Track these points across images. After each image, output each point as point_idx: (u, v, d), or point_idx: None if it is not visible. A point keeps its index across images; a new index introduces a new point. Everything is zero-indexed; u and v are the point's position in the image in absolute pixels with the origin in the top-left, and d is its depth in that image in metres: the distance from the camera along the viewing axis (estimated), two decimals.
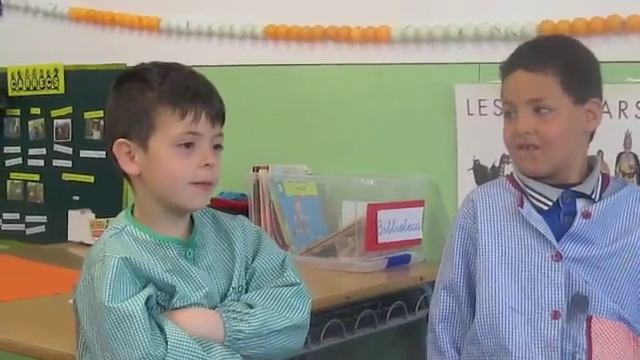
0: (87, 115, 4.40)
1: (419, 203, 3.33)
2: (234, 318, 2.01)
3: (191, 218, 2.10)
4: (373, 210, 3.15)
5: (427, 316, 2.52)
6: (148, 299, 1.93)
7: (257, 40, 3.85)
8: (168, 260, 2.00)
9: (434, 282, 2.49)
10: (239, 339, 2.00)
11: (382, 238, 3.18)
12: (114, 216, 2.12)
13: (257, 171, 3.49)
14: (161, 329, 1.93)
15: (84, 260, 2.02)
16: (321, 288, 2.78)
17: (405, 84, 3.48)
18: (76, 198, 4.39)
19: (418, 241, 3.33)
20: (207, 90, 2.01)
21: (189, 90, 1.97)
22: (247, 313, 2.02)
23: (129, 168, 2.02)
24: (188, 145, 1.97)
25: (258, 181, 3.45)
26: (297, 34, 3.71)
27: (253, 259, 2.12)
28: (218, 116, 2.00)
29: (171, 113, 1.96)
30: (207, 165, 1.98)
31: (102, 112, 4.23)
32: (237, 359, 2.00)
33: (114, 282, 1.90)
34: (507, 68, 2.24)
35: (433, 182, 3.40)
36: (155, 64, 2.05)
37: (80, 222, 3.90)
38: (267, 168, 3.50)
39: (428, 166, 3.42)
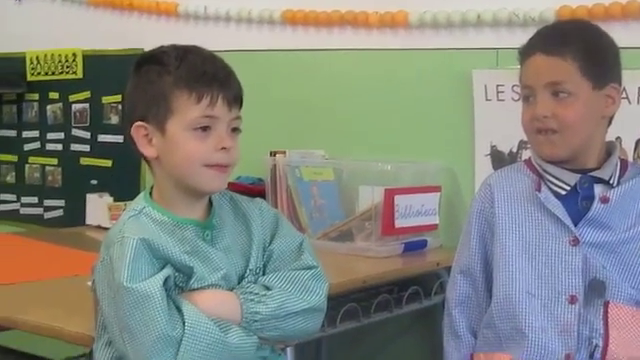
0: (105, 100, 4.41)
1: (436, 188, 3.33)
2: (251, 300, 2.02)
3: (209, 200, 2.11)
4: (390, 195, 3.15)
5: (443, 301, 2.53)
6: (166, 280, 1.95)
7: (275, 25, 3.85)
8: (186, 242, 2.01)
9: (450, 267, 2.49)
10: (256, 321, 2.01)
11: (399, 223, 3.18)
12: (132, 200, 2.13)
13: (274, 156, 3.50)
14: (179, 310, 1.94)
15: (103, 241, 2.04)
16: (338, 272, 2.79)
17: (423, 69, 3.48)
18: (94, 182, 4.41)
19: (435, 226, 3.33)
20: (224, 74, 2.01)
21: (206, 74, 1.98)
22: (264, 295, 2.03)
23: (147, 151, 2.04)
24: (205, 129, 1.99)
25: (275, 166, 3.46)
26: (315, 19, 3.71)
27: (270, 242, 2.13)
28: (235, 100, 2.01)
29: (187, 97, 1.98)
30: (223, 148, 1.99)
31: (120, 97, 4.29)
32: (254, 340, 2.01)
33: (132, 263, 1.92)
34: (526, 52, 2.24)
35: (450, 168, 3.40)
36: (174, 47, 2.05)
37: (98, 206, 3.92)
38: (284, 153, 3.51)
39: (445, 152, 3.41)
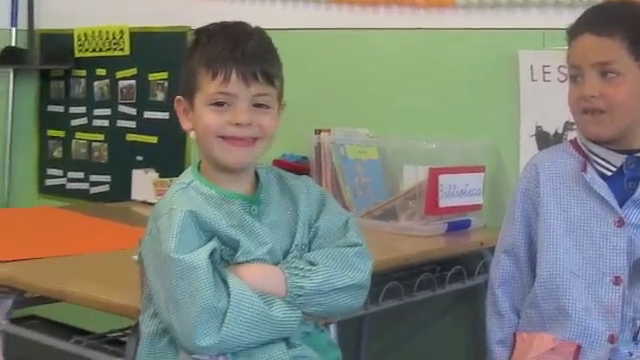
0: (151, 77, 4.43)
1: (480, 168, 3.33)
2: (296, 275, 2.04)
3: (257, 176, 2.13)
4: (434, 174, 3.15)
5: (486, 281, 2.53)
6: (212, 252, 1.97)
7: (321, 4, 3.84)
8: (233, 215, 2.03)
9: (494, 247, 2.50)
10: (300, 295, 2.02)
11: (443, 202, 3.18)
12: (177, 176, 2.16)
13: (319, 134, 3.50)
14: (224, 282, 1.97)
15: (151, 213, 2.07)
16: (381, 250, 2.79)
17: (469, 49, 3.47)
18: (139, 158, 4.44)
19: (478, 206, 3.33)
20: (247, 50, 2.01)
21: (223, 51, 2.01)
22: (309, 270, 2.05)
23: (184, 124, 2.12)
24: (220, 104, 2.03)
25: (320, 144, 3.46)
26: None
27: (316, 219, 2.15)
28: (255, 76, 2.01)
29: (205, 74, 2.03)
30: (237, 124, 2.02)
31: (166, 74, 4.31)
32: (298, 315, 2.03)
33: (180, 234, 1.95)
34: (574, 32, 2.24)
35: (495, 148, 3.39)
36: (215, 25, 2.10)
37: (144, 181, 3.95)
38: (329, 131, 3.51)
39: (490, 132, 3.41)
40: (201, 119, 2.05)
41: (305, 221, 2.13)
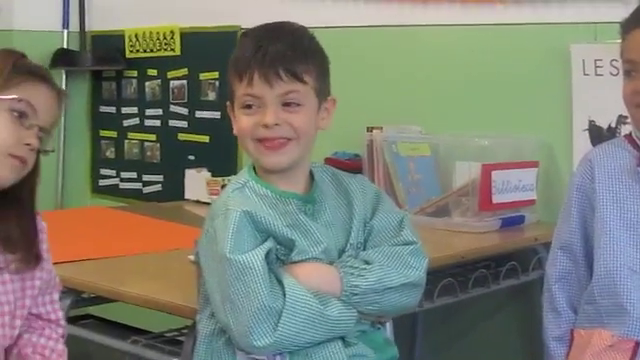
0: (202, 76, 4.45)
1: (533, 164, 3.31)
2: (351, 274, 2.04)
3: (311, 175, 2.14)
4: (487, 170, 3.14)
5: (541, 277, 2.52)
6: (268, 252, 1.98)
7: (370, 1, 3.84)
8: (288, 215, 2.04)
9: (548, 243, 2.49)
10: (355, 294, 2.03)
11: (496, 198, 3.16)
12: (229, 175, 2.19)
13: (371, 131, 3.50)
14: (280, 282, 1.97)
15: (207, 213, 2.09)
16: (435, 247, 2.79)
17: (520, 44, 3.45)
18: (191, 157, 4.46)
19: (532, 202, 3.31)
20: (269, 51, 2.02)
21: (246, 54, 2.03)
22: (364, 269, 2.06)
23: (233, 127, 2.12)
24: (249, 106, 2.04)
25: (372, 141, 3.46)
26: None
27: (371, 217, 2.15)
28: (278, 75, 2.01)
29: (234, 77, 2.06)
30: (265, 126, 2.02)
31: (217, 73, 4.33)
32: (353, 314, 2.03)
33: (235, 235, 1.96)
34: (628, 26, 2.22)
35: (548, 143, 3.37)
36: (255, 27, 2.12)
37: (196, 180, 3.97)
38: (381, 128, 3.51)
39: (543, 127, 3.39)
40: (237, 122, 2.08)
41: (360, 220, 2.14)
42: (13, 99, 1.91)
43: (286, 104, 2.03)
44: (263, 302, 1.93)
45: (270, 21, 2.14)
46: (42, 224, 2.07)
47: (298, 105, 2.04)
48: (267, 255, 1.98)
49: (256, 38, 2.06)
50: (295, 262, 2.03)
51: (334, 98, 2.14)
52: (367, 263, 2.07)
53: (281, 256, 2.04)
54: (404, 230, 2.14)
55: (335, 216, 2.12)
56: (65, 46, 4.96)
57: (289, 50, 2.03)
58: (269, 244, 2.00)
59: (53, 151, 2.04)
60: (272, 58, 2.01)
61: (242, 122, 2.06)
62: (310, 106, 2.07)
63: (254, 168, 2.12)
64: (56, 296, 2.13)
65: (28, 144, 1.92)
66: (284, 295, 1.96)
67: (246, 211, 1.99)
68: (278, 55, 2.02)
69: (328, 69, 2.14)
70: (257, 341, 1.94)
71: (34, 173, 2.00)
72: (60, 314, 2.13)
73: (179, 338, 2.68)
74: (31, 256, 2.00)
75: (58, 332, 2.10)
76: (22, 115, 1.92)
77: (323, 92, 2.10)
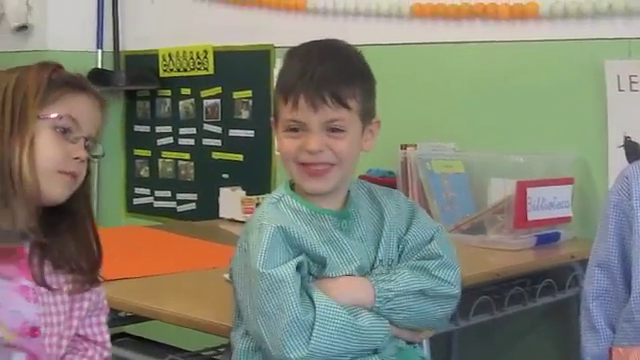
0: (236, 95, 4.47)
1: (569, 180, 3.30)
2: (382, 280, 2.05)
3: (348, 190, 2.14)
4: (522, 187, 3.13)
5: (577, 295, 2.51)
6: (300, 266, 1.99)
7: (403, 19, 3.84)
8: (323, 231, 2.05)
9: (584, 260, 2.47)
10: (389, 299, 2.03)
11: (531, 215, 3.15)
12: (263, 193, 2.20)
13: (405, 149, 3.50)
14: (309, 297, 1.98)
15: (243, 228, 2.11)
16: (470, 265, 2.78)
17: (554, 60, 3.44)
18: (225, 176, 4.47)
19: (568, 219, 3.29)
20: (316, 74, 2.01)
21: (293, 76, 2.03)
22: (394, 273, 2.07)
23: (277, 145, 2.14)
24: (295, 130, 2.04)
25: (406, 159, 3.46)
26: (444, 12, 3.70)
27: (405, 232, 2.15)
28: (323, 100, 2.00)
29: (280, 99, 2.06)
30: (308, 151, 2.03)
31: (250, 92, 4.35)
32: (385, 324, 2.03)
33: (269, 250, 1.98)
34: None
35: (583, 159, 3.36)
36: (301, 45, 2.12)
37: (231, 199, 3.98)
38: (415, 146, 3.51)
39: (578, 143, 3.37)
40: (280, 144, 2.09)
41: (392, 235, 2.14)
42: (53, 117, 1.89)
43: (330, 129, 2.03)
44: (295, 315, 1.95)
45: (303, 40, 2.14)
46: None
47: (342, 131, 2.04)
48: (299, 269, 1.99)
49: (303, 59, 2.05)
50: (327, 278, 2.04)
51: (379, 120, 2.14)
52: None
53: (314, 272, 2.04)
54: (431, 243, 2.14)
55: (368, 231, 2.13)
56: (99, 66, 5.00)
57: (335, 74, 2.02)
58: (301, 258, 2.01)
59: (103, 155, 2.02)
60: (318, 82, 2.00)
61: (285, 145, 2.06)
62: (354, 131, 2.07)
63: (292, 183, 2.13)
64: (103, 318, 2.11)
65: (76, 158, 1.91)
66: (314, 308, 1.97)
67: (280, 227, 2.00)
68: (324, 79, 2.01)
69: (374, 90, 2.13)
70: (291, 354, 1.95)
71: (86, 182, 1.99)
72: (107, 337, 2.11)
73: (215, 357, 2.69)
74: (88, 278, 2.00)
75: (103, 355, 2.08)
76: (66, 130, 1.90)
77: (368, 115, 2.10)
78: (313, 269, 2.05)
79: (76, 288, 1.99)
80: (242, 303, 2.05)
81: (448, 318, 2.22)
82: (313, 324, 1.95)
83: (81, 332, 2.04)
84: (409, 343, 2.14)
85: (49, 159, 1.88)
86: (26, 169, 1.85)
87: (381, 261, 2.11)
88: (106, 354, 2.09)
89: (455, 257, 2.17)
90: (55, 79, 1.92)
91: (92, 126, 1.96)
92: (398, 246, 2.15)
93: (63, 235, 1.96)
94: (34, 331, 1.91)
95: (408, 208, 2.19)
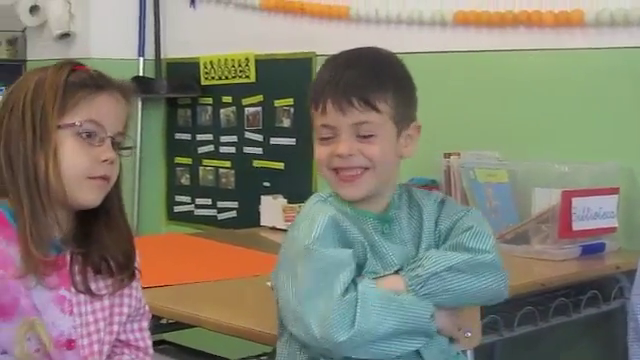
0: (277, 103, 4.46)
1: (614, 190, 3.26)
2: (410, 269, 2.02)
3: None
4: (567, 197, 3.10)
5: (622, 306, 2.47)
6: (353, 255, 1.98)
7: (447, 27, 3.82)
8: (365, 234, 2.04)
9: (630, 271, 2.45)
10: (420, 284, 1.99)
11: (576, 226, 3.12)
12: (305, 202, 2.16)
13: (448, 157, 3.48)
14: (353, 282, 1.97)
15: (289, 227, 2.11)
16: (514, 275, 2.71)
17: (599, 68, 3.40)
18: (266, 184, 4.47)
19: (613, 229, 3.25)
20: (343, 79, 1.99)
21: (322, 82, 2.02)
22: (420, 258, 2.03)
23: None
24: (327, 138, 2.02)
25: (449, 167, 3.44)
26: (487, 20, 3.67)
27: (437, 224, 2.12)
28: (350, 103, 1.99)
29: (310, 103, 2.05)
30: (338, 156, 2.01)
31: (292, 100, 4.34)
32: (427, 303, 1.99)
33: (322, 234, 1.97)
34: None
35: (628, 169, 3.32)
36: (341, 53, 2.10)
37: (272, 207, 3.97)
38: (458, 154, 3.49)
39: (623, 152, 3.33)
40: (315, 151, 2.07)
41: (430, 236, 2.11)
42: (74, 125, 1.85)
43: (361, 134, 2.01)
44: (339, 297, 1.92)
45: (345, 48, 2.13)
46: (136, 251, 2.04)
47: (372, 135, 2.02)
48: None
49: (334, 65, 2.05)
50: None
51: (418, 125, 2.10)
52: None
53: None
54: (461, 220, 2.10)
55: (409, 234, 2.11)
56: (141, 74, 5.02)
57: (363, 78, 2.01)
58: (351, 250, 2.00)
59: (134, 147, 1.99)
60: (345, 86, 1.99)
61: (318, 152, 2.06)
62: (386, 135, 2.04)
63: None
64: (145, 324, 2.08)
65: (105, 160, 1.87)
66: (356, 290, 1.94)
67: (333, 216, 2.00)
68: (351, 83, 1.99)
69: (411, 95, 2.09)
70: (339, 337, 1.91)
71: (117, 179, 1.95)
72: (149, 342, 2.08)
73: None
74: (126, 274, 1.97)
75: None
76: (90, 135, 1.86)
77: (404, 119, 2.06)
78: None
79: (115, 287, 1.96)
80: (284, 296, 2.02)
81: (502, 290, 2.10)
82: (356, 303, 1.92)
83: (122, 337, 2.03)
84: (451, 341, 2.11)
85: (75, 167, 1.85)
86: (53, 179, 1.83)
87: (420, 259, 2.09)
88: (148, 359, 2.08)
89: (488, 227, 2.11)
90: (73, 82, 1.87)
91: (117, 123, 1.91)
92: (434, 240, 2.12)
93: (100, 236, 1.93)
94: (70, 343, 1.89)
95: (439, 200, 2.16)
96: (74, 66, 1.91)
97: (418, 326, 1.98)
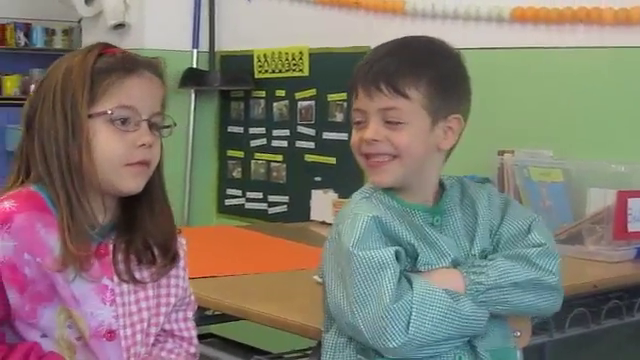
0: (330, 97, 4.44)
1: None
2: (473, 272, 1.99)
3: (442, 184, 2.08)
4: (623, 197, 3.04)
5: None
6: (397, 254, 1.94)
7: (503, 23, 3.78)
8: (414, 227, 2.00)
9: None
10: (480, 292, 1.97)
11: (632, 227, 3.06)
12: None
13: (502, 155, 3.44)
14: (408, 282, 1.93)
15: (333, 221, 2.06)
16: (567, 276, 2.66)
17: None
18: (318, 179, 4.45)
19: None
20: (375, 65, 1.98)
21: (356, 67, 2.02)
22: (486, 266, 2.00)
23: None
24: (358, 123, 2.01)
25: (503, 165, 3.39)
26: (545, 16, 3.63)
27: (499, 225, 2.08)
28: (378, 89, 1.96)
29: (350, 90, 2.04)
30: (365, 141, 1.98)
31: (345, 94, 4.31)
32: (484, 312, 1.97)
33: (363, 235, 1.94)
34: None
35: None
36: (388, 41, 2.07)
37: (323, 202, 3.96)
38: (512, 152, 3.44)
39: None
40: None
41: (485, 228, 2.07)
42: (106, 113, 1.80)
43: (388, 120, 1.98)
44: (392, 299, 1.89)
45: None
46: (182, 240, 2.00)
47: (400, 123, 1.98)
48: (397, 257, 1.94)
49: (372, 53, 2.04)
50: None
51: (458, 117, 2.04)
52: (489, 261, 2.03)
53: (406, 267, 1.99)
54: (532, 233, 2.07)
55: (461, 225, 2.07)
56: (194, 66, 5.02)
57: (395, 64, 1.98)
58: (398, 248, 1.96)
59: (174, 125, 1.89)
60: (375, 73, 1.97)
61: (352, 139, 2.04)
62: (417, 124, 1.99)
63: None
64: (190, 314, 2.04)
65: (142, 144, 1.82)
66: (412, 294, 1.91)
67: (375, 216, 1.96)
68: (382, 69, 1.97)
69: (455, 87, 2.05)
70: (391, 342, 1.89)
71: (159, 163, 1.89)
72: (193, 333, 2.05)
73: (301, 359, 2.65)
74: (168, 258, 1.93)
75: (190, 351, 2.02)
76: (124, 120, 1.81)
77: (441, 110, 2.01)
78: (406, 264, 1.99)
79: (159, 274, 1.93)
80: (333, 296, 2.00)
81: (556, 308, 2.11)
82: (411, 309, 1.89)
83: (167, 327, 1.99)
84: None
85: (111, 155, 1.80)
86: (88, 170, 1.79)
87: (474, 256, 2.05)
88: (193, 350, 2.04)
89: (554, 242, 2.09)
90: (100, 67, 1.81)
91: (152, 104, 1.85)
92: (492, 239, 2.08)
93: (143, 222, 1.90)
94: (110, 334, 1.86)
95: (501, 200, 2.12)
96: (102, 49, 1.86)
97: (473, 333, 1.97)
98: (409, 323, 1.88)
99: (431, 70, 2.00)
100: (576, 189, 3.27)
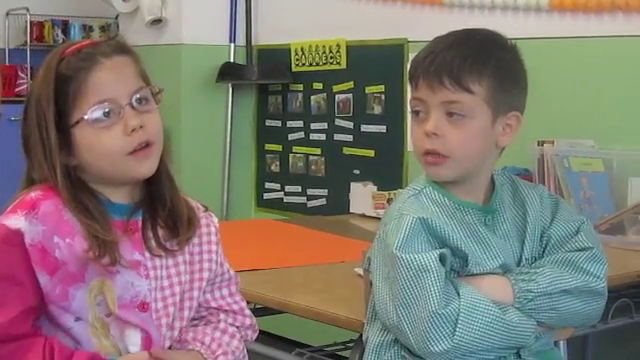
0: (368, 90, 4.43)
1: None
2: (522, 280, 1.98)
3: (492, 182, 2.06)
4: None
5: None
6: (443, 258, 1.92)
7: (542, 12, 3.76)
8: (466, 225, 1.98)
9: None
10: (529, 300, 1.96)
11: None
12: (394, 189, 2.14)
13: (542, 145, 3.41)
14: (455, 289, 1.92)
15: (381, 220, 2.05)
16: (610, 266, 2.66)
17: None
18: (356, 172, 4.45)
19: None
20: (437, 58, 1.95)
21: (417, 59, 1.99)
22: (535, 272, 1.99)
23: None
24: (417, 113, 1.99)
25: (543, 155, 3.37)
26: (584, 5, 3.60)
27: (549, 227, 2.07)
28: (441, 82, 1.94)
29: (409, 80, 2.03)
30: (426, 133, 1.96)
31: (383, 87, 4.31)
32: (532, 323, 1.96)
33: (408, 237, 1.92)
34: None
35: None
36: (449, 32, 2.05)
37: (362, 194, 3.95)
38: (552, 142, 3.42)
39: None
40: (411, 133, 2.04)
41: (535, 230, 2.06)
42: (84, 119, 1.78)
43: (450, 114, 1.96)
44: (438, 305, 1.88)
45: (438, 34, 2.08)
46: (213, 218, 2.01)
47: (463, 116, 1.96)
48: (442, 260, 1.93)
49: (434, 44, 2.01)
50: (472, 274, 1.97)
51: (517, 115, 2.03)
52: (537, 268, 2.01)
53: (456, 268, 1.98)
54: (579, 235, 2.06)
55: (512, 227, 2.05)
56: (232, 60, 5.03)
57: (459, 59, 1.95)
58: (444, 250, 1.94)
59: (163, 89, 1.86)
60: (438, 66, 1.95)
61: (413, 135, 2.02)
62: (478, 119, 1.97)
63: None
64: (234, 288, 2.02)
65: (133, 129, 1.79)
66: (460, 301, 1.90)
67: (421, 218, 1.94)
68: (444, 64, 1.95)
69: (515, 83, 2.04)
70: (435, 346, 1.88)
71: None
72: (243, 304, 2.03)
73: (341, 352, 2.65)
74: (190, 225, 1.92)
75: (245, 323, 2.01)
76: (106, 114, 1.78)
77: (502, 105, 1.99)
78: (455, 265, 1.98)
79: (182, 244, 1.91)
80: (380, 296, 1.99)
81: (599, 315, 2.11)
82: (458, 316, 1.89)
83: (214, 305, 1.99)
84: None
85: (108, 152, 1.80)
86: (88, 169, 1.83)
87: (527, 259, 2.04)
88: (249, 321, 2.02)
89: (603, 251, 2.08)
90: (61, 74, 1.79)
91: (128, 84, 1.81)
92: (542, 241, 2.07)
93: (163, 195, 1.89)
94: (144, 305, 1.86)
95: (551, 201, 2.11)
96: (61, 54, 1.82)
97: (519, 344, 1.97)
98: (455, 330, 1.88)
99: (493, 64, 1.98)
100: (617, 179, 3.26)
